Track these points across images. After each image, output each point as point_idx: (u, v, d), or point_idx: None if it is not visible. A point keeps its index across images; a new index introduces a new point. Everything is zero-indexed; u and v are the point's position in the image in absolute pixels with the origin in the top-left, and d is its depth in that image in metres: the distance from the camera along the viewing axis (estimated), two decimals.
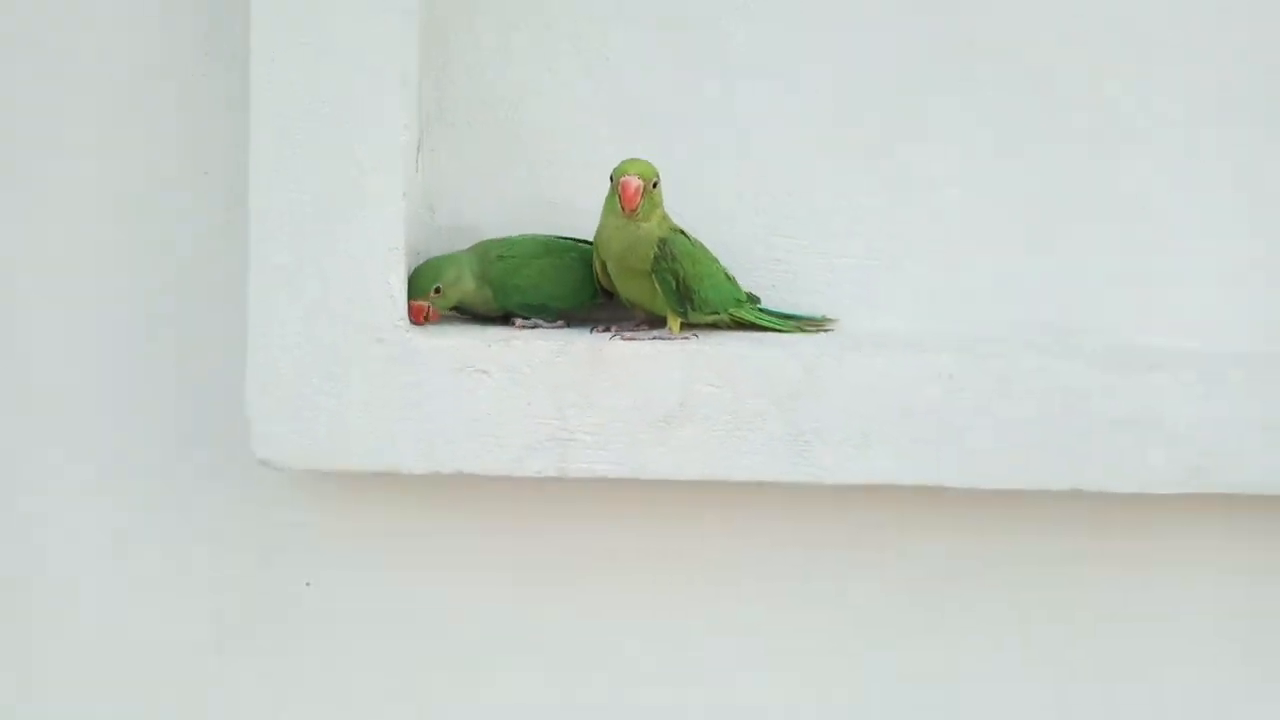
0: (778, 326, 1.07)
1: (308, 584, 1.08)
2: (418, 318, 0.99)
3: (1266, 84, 1.09)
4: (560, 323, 1.04)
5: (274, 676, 1.08)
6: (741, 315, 1.06)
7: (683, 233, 1.01)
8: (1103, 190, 1.10)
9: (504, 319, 1.05)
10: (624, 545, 1.07)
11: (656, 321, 1.03)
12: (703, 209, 1.08)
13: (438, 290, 1.00)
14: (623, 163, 0.98)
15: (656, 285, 0.99)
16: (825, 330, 1.07)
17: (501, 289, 1.02)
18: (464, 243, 1.05)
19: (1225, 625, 1.10)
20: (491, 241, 1.04)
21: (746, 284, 1.09)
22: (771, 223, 1.10)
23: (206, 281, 1.04)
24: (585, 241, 1.05)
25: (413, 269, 1.00)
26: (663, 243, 0.99)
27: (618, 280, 1.01)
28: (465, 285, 1.01)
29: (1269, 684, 1.10)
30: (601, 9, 1.06)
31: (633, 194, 0.95)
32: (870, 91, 1.08)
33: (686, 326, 1.02)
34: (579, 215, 1.06)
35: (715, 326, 1.06)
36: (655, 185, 0.98)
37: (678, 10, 1.06)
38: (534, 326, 1.02)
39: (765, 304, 1.09)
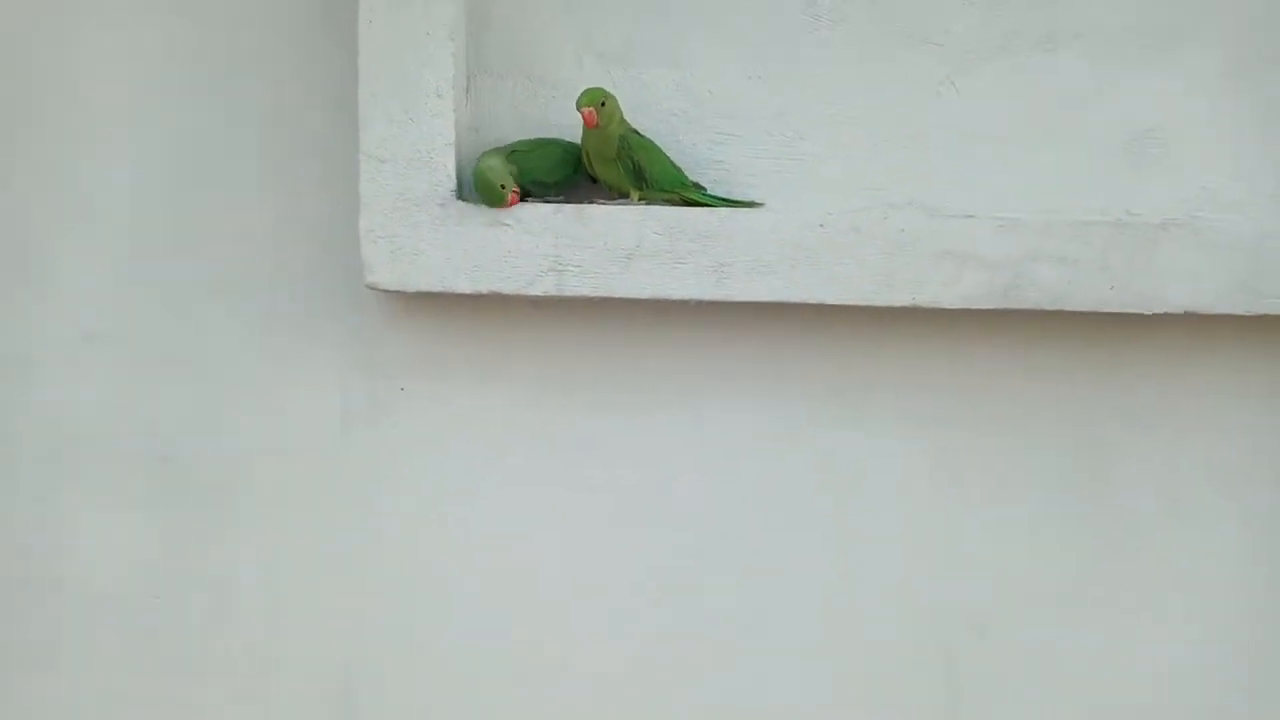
0: (716, 204, 1.45)
1: (402, 389, 1.58)
2: (514, 201, 1.40)
3: None
4: (561, 198, 1.49)
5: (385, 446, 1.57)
6: (688, 195, 1.44)
7: (636, 132, 1.42)
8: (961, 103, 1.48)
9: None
10: (602, 353, 1.52)
11: (625, 197, 1.47)
12: (662, 126, 1.46)
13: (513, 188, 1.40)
14: (580, 95, 1.37)
15: (620, 169, 1.46)
16: (754, 209, 1.47)
17: (517, 173, 1.47)
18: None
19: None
20: (504, 145, 1.44)
21: (697, 178, 1.47)
22: (711, 135, 1.48)
23: (326, 169, 1.51)
24: (565, 140, 1.45)
25: (488, 169, 1.42)
26: (622, 139, 1.39)
27: (596, 167, 1.44)
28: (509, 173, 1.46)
29: None
30: None
31: (589, 115, 1.38)
32: (779, 38, 1.48)
33: (649, 203, 1.48)
34: (568, 131, 1.45)
35: (670, 204, 1.43)
36: (604, 104, 1.37)
37: None
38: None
39: (710, 191, 1.47)
